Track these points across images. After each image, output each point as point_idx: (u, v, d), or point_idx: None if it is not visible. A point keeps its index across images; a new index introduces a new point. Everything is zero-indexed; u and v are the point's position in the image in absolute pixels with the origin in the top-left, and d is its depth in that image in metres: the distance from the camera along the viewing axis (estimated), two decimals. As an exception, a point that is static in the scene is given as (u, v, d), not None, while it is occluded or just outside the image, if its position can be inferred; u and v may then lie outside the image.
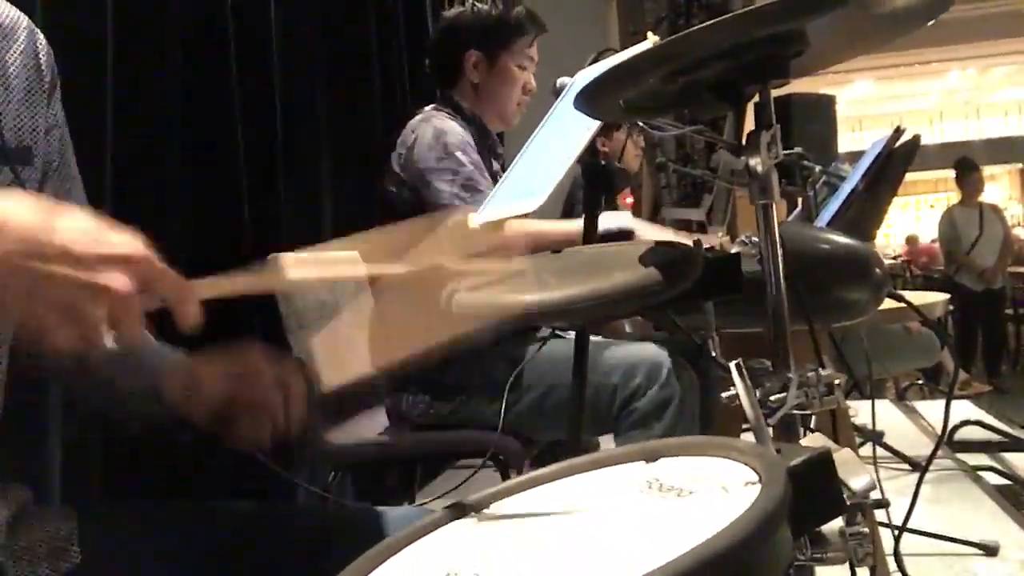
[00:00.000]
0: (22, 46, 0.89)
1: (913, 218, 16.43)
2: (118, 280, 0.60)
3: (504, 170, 1.35)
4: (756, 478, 0.55)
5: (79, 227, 0.61)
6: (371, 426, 1.99)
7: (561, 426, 1.65)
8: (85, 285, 0.59)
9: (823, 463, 0.58)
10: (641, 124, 1.55)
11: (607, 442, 1.90)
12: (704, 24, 0.72)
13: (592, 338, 1.79)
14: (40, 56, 0.91)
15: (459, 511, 0.68)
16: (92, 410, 0.99)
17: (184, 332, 0.63)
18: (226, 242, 2.08)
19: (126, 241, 0.61)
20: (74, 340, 0.59)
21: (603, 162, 1.31)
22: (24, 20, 0.91)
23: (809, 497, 0.57)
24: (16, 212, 0.60)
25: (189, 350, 0.94)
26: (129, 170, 1.74)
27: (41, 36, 0.93)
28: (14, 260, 0.58)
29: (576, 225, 1.81)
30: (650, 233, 1.80)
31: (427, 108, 2.01)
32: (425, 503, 1.85)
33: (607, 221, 1.79)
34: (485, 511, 0.69)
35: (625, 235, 1.75)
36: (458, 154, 1.82)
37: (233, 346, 0.92)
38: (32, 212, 0.60)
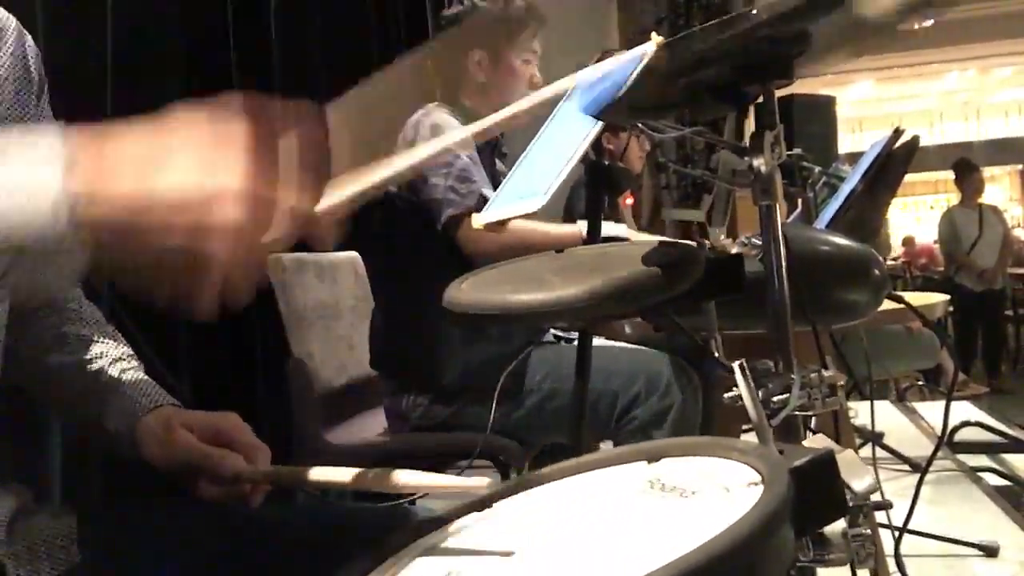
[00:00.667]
0: (11, 48, 0.88)
1: (913, 219, 16.43)
2: (230, 213, 0.55)
3: (508, 170, 1.35)
4: (759, 479, 0.55)
5: (180, 168, 0.56)
6: (371, 426, 1.98)
7: (561, 431, 1.64)
8: (195, 227, 0.55)
9: (826, 464, 0.58)
10: (640, 125, 1.55)
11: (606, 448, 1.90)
12: (705, 25, 0.71)
13: (594, 343, 1.78)
14: (29, 58, 0.91)
15: (459, 510, 0.68)
16: (65, 424, 0.99)
17: (322, 249, 0.61)
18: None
19: (232, 167, 0.56)
20: (206, 289, 0.56)
21: (607, 162, 1.31)
22: (13, 22, 0.90)
23: (812, 498, 0.56)
24: (116, 163, 0.56)
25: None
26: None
27: (29, 38, 0.92)
28: (118, 219, 0.55)
29: (573, 229, 1.80)
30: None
31: (429, 105, 2.01)
32: (422, 499, 1.85)
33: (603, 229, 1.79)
34: (488, 510, 0.68)
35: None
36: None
37: (215, 411, 0.92)
38: (132, 163, 0.56)
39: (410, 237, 1.87)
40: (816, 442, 0.73)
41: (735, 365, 0.67)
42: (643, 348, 1.88)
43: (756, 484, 0.55)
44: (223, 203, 0.55)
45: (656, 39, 0.72)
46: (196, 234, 0.55)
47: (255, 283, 0.58)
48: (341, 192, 0.65)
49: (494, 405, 1.65)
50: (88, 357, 0.95)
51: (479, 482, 0.67)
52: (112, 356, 0.95)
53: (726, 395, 0.73)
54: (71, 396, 0.94)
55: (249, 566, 0.88)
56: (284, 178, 0.58)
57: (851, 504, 0.62)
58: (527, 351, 1.79)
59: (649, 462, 0.66)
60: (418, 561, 0.62)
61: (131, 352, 0.98)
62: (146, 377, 0.96)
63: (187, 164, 0.56)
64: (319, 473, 0.82)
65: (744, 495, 0.54)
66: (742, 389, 0.66)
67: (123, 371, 0.95)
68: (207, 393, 1.94)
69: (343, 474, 0.81)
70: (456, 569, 0.57)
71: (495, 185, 1.82)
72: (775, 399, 0.77)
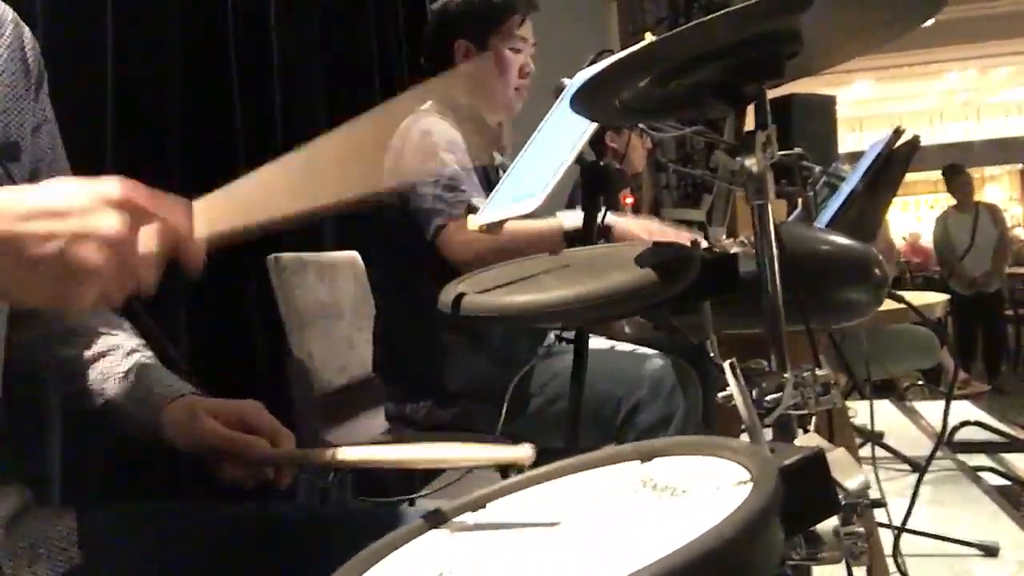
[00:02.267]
0: (8, 40, 0.88)
1: (913, 218, 16.40)
2: (108, 221, 0.57)
3: (509, 162, 1.34)
4: (748, 477, 0.56)
5: (56, 186, 0.59)
6: (371, 426, 1.99)
7: (562, 435, 1.64)
8: (73, 234, 0.56)
9: (816, 463, 0.59)
10: (641, 126, 1.55)
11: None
12: (688, 25, 0.72)
13: (596, 346, 1.78)
14: (26, 50, 0.90)
15: (455, 510, 0.69)
16: (87, 420, 0.98)
17: (190, 276, 0.62)
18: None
19: (109, 185, 0.59)
20: (87, 300, 0.57)
21: (601, 162, 1.31)
22: (10, 13, 0.90)
23: (802, 496, 0.57)
24: None
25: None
26: (129, 170, 1.75)
27: (27, 30, 0.91)
28: None
29: (552, 221, 1.74)
30: (630, 226, 1.71)
31: (421, 107, 1.98)
32: (423, 498, 1.85)
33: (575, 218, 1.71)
34: (481, 510, 0.69)
35: (603, 231, 1.68)
36: (442, 154, 1.77)
37: (236, 398, 0.93)
38: (6, 190, 0.59)
39: (406, 245, 1.83)
40: (808, 441, 0.73)
41: (726, 364, 0.68)
42: (646, 352, 1.86)
43: (745, 483, 0.55)
44: (104, 210, 0.57)
45: (650, 38, 0.73)
46: (75, 241, 0.56)
47: (130, 293, 0.59)
48: (223, 221, 0.66)
49: (504, 410, 1.64)
50: (101, 350, 0.94)
51: (523, 451, 0.67)
52: (126, 348, 0.95)
53: (719, 394, 0.73)
54: (82, 388, 0.94)
55: (249, 566, 0.88)
56: (160, 198, 0.61)
57: (843, 502, 0.63)
58: (534, 361, 1.78)
59: (642, 461, 0.67)
60: (412, 560, 0.63)
61: (143, 343, 0.98)
62: (162, 367, 0.96)
63: (67, 180, 0.60)
64: (348, 453, 0.81)
65: (733, 494, 0.54)
66: (733, 388, 0.67)
67: (139, 362, 0.94)
68: (207, 393, 1.93)
69: (372, 452, 0.81)
70: (448, 568, 0.58)
71: (491, 183, 1.79)
72: (769, 398, 0.77)
